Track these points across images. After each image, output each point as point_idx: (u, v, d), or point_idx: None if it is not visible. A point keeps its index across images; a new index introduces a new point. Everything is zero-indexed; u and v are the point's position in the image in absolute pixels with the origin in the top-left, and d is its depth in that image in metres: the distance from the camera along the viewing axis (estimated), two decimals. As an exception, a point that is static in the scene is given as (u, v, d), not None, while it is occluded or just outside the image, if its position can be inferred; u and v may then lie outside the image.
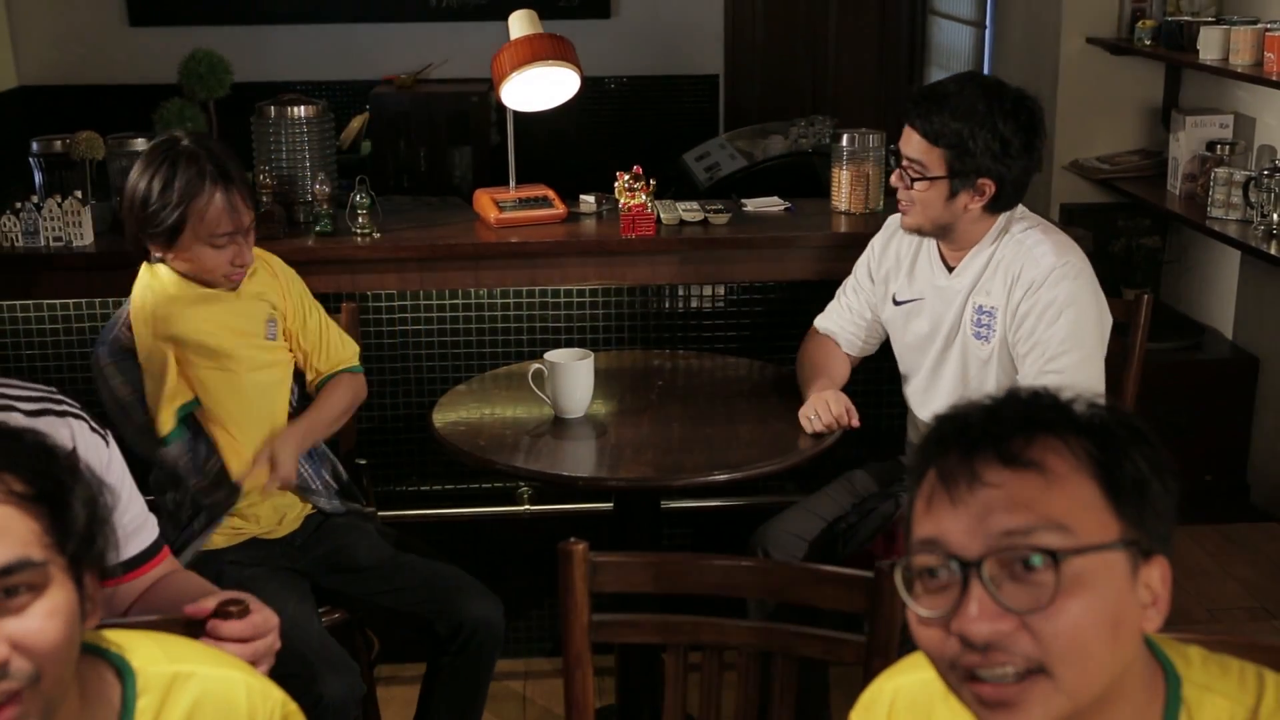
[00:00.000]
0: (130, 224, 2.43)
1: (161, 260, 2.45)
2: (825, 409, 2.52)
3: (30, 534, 1.10)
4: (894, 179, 2.51)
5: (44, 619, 1.10)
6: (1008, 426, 1.08)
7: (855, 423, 2.53)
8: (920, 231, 2.54)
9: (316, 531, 2.59)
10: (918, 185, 2.44)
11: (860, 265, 2.76)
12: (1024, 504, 1.04)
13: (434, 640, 2.51)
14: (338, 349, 2.66)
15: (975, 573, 1.04)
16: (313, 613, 2.43)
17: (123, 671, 1.23)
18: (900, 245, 2.66)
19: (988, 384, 2.51)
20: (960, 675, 1.07)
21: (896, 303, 2.67)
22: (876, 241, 2.74)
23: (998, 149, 2.38)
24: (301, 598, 2.44)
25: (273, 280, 2.58)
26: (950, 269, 2.56)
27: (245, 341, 2.50)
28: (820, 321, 2.81)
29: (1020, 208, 2.53)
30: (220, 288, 2.46)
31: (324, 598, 2.53)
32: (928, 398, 2.63)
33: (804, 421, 2.54)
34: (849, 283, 2.79)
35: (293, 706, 1.33)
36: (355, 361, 2.69)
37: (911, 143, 2.44)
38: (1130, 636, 1.08)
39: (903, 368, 2.71)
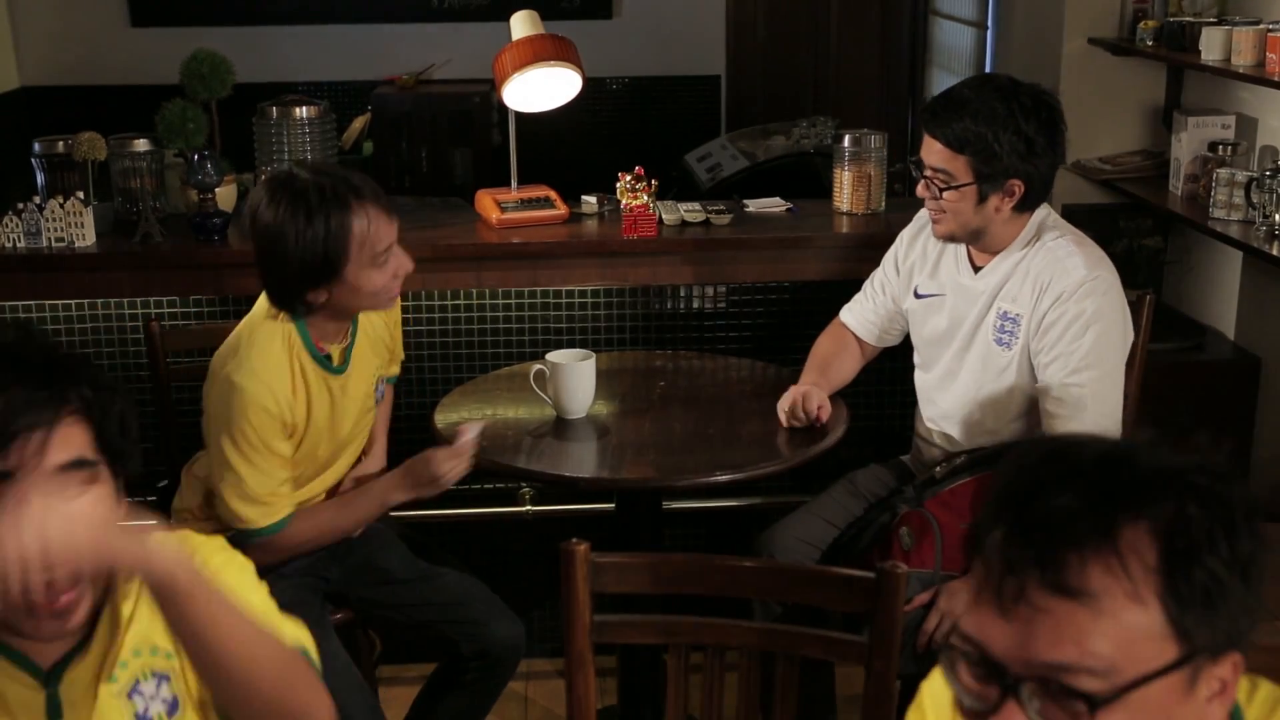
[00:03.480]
0: (280, 277, 2.27)
1: (309, 311, 2.32)
2: (792, 408, 2.53)
3: (84, 438, 1.35)
4: (920, 190, 2.49)
5: (95, 502, 1.33)
6: (1061, 541, 0.98)
7: (823, 418, 2.53)
8: (954, 239, 2.52)
9: (348, 540, 2.53)
10: (946, 195, 2.42)
11: (888, 256, 2.75)
12: (1070, 638, 0.97)
13: (455, 657, 2.51)
14: (396, 359, 2.67)
15: (1013, 693, 1.00)
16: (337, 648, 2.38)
17: None
18: (928, 240, 2.64)
19: (1002, 390, 2.50)
20: None
21: (918, 295, 2.65)
22: (906, 233, 2.73)
23: (1023, 148, 2.36)
24: (321, 626, 2.37)
25: (382, 324, 2.54)
26: (977, 269, 2.54)
27: (358, 422, 2.49)
28: (844, 314, 2.81)
29: (1053, 216, 2.52)
30: (381, 309, 2.42)
31: (350, 605, 2.55)
32: (938, 395, 2.63)
33: (779, 413, 2.55)
34: (876, 274, 2.77)
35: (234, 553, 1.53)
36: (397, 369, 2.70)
37: (935, 152, 2.42)
38: None
39: (918, 359, 2.70)
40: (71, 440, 1.33)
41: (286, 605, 2.25)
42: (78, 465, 1.33)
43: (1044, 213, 2.51)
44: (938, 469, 2.50)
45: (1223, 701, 1.03)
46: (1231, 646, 1.01)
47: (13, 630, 1.33)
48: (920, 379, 2.69)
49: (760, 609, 2.45)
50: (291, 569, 2.41)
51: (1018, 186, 2.40)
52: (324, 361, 2.38)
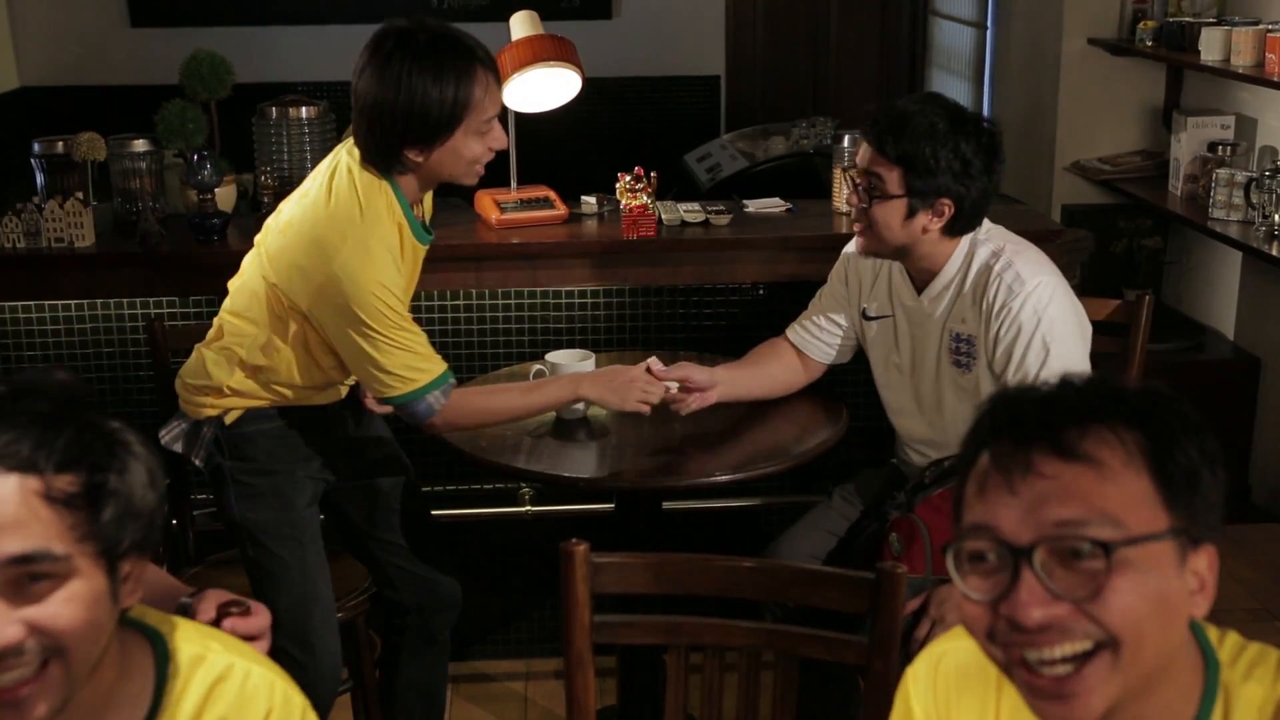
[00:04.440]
0: (389, 130, 2.20)
1: (402, 170, 2.27)
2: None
3: (56, 527, 1.12)
4: (848, 198, 2.46)
5: (62, 605, 1.12)
6: (1062, 417, 1.09)
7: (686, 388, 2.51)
8: (878, 254, 2.48)
9: (356, 435, 2.55)
10: (875, 205, 2.37)
11: (835, 272, 2.70)
12: (1078, 496, 1.06)
13: (392, 622, 2.60)
14: None
15: (1026, 560, 1.06)
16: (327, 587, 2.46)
17: (156, 645, 1.27)
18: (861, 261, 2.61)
19: (972, 409, 2.43)
20: (1008, 657, 1.09)
21: (867, 317, 2.62)
22: (850, 248, 2.65)
23: (959, 168, 2.32)
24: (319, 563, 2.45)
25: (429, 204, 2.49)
26: (919, 289, 2.50)
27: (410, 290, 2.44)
28: (789, 333, 2.74)
29: (986, 225, 2.46)
30: (465, 182, 2.33)
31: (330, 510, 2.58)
32: (908, 421, 2.61)
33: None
34: (823, 290, 2.72)
35: (313, 716, 1.34)
36: None
37: (871, 159, 2.38)
38: (1178, 621, 1.10)
39: (879, 383, 2.66)
40: (30, 527, 1.11)
41: (300, 510, 2.39)
42: (37, 559, 1.11)
43: (972, 232, 2.45)
44: (926, 473, 2.50)
45: (1204, 597, 1.11)
46: (1206, 538, 1.11)
47: None
48: (886, 397, 2.65)
49: (769, 613, 2.44)
50: (310, 469, 2.44)
51: (948, 207, 2.35)
52: (418, 228, 2.36)
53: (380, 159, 2.25)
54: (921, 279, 2.49)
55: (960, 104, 2.41)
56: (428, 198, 2.45)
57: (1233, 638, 1.17)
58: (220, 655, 1.29)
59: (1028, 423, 1.10)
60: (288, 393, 2.39)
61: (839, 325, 2.69)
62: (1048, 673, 1.07)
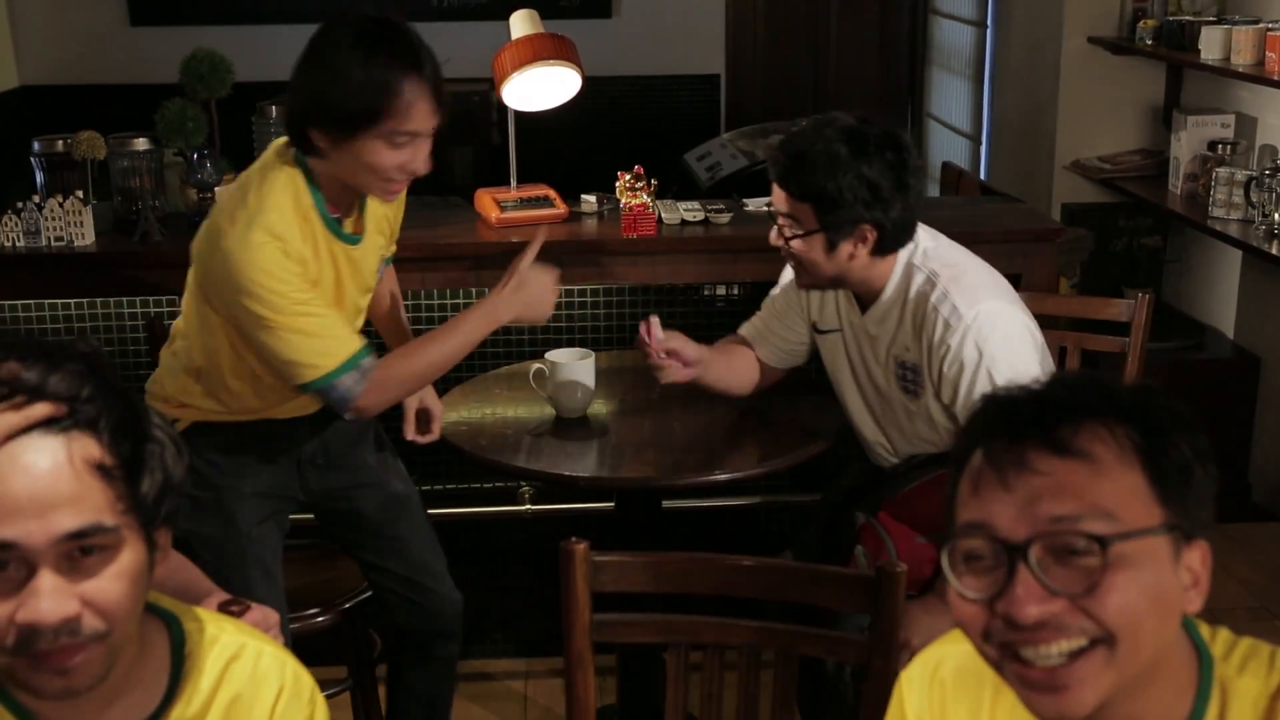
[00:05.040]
0: (302, 101, 2.07)
1: (307, 151, 2.11)
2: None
3: (106, 500, 1.13)
4: (772, 238, 2.38)
5: (113, 579, 1.14)
6: (1055, 413, 1.09)
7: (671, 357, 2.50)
8: (817, 287, 2.43)
9: (327, 442, 2.37)
10: (794, 243, 2.32)
11: (788, 280, 2.58)
12: (1072, 491, 1.06)
13: (396, 639, 2.53)
14: (393, 238, 2.45)
15: (1022, 557, 1.06)
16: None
17: (171, 626, 1.29)
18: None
19: (923, 423, 2.40)
20: (1002, 652, 1.09)
21: (819, 330, 2.56)
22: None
23: (867, 195, 2.25)
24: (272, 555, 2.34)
25: (395, 210, 2.35)
26: (863, 308, 2.43)
27: (357, 302, 2.28)
28: (745, 330, 2.66)
29: (921, 251, 2.37)
30: (372, 195, 2.16)
31: (318, 523, 2.50)
32: (863, 428, 2.55)
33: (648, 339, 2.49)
34: (775, 294, 2.63)
35: (321, 698, 1.36)
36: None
37: (780, 200, 2.33)
38: (1172, 616, 1.10)
39: (834, 388, 2.59)
40: (84, 502, 1.13)
41: (245, 529, 2.25)
42: (91, 533, 1.13)
43: (908, 251, 2.37)
44: (896, 466, 2.47)
45: (1198, 593, 1.11)
46: (1199, 533, 1.11)
47: (20, 685, 1.17)
48: (843, 402, 2.57)
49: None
50: (258, 485, 2.30)
51: (869, 231, 2.28)
52: (334, 225, 2.18)
53: (290, 132, 2.12)
54: (865, 299, 2.42)
55: (861, 122, 2.30)
56: (382, 210, 2.30)
57: (1224, 633, 1.17)
58: (233, 636, 1.32)
59: (1021, 419, 1.10)
60: (233, 402, 2.26)
61: (796, 331, 2.60)
62: (1041, 664, 1.07)
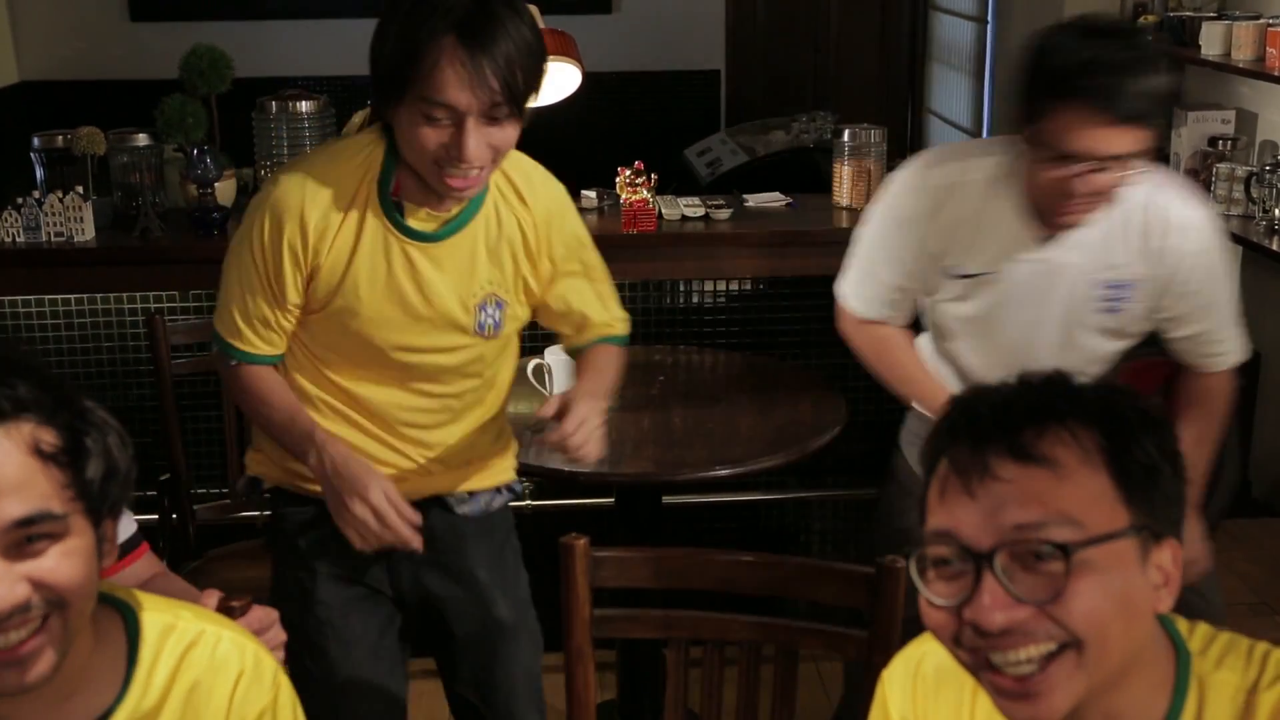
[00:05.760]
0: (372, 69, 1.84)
1: (386, 125, 1.88)
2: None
3: (52, 488, 1.13)
4: (1102, 184, 2.02)
5: (60, 559, 1.14)
6: (1018, 418, 1.09)
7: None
8: (1089, 214, 2.12)
9: (433, 531, 2.02)
10: (1129, 176, 2.03)
11: (910, 241, 2.24)
12: (1035, 498, 1.06)
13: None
14: (599, 311, 2.16)
15: (988, 565, 1.06)
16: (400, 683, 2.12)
17: (126, 616, 1.28)
18: (959, 211, 2.19)
19: (1097, 352, 2.25)
20: (974, 660, 1.09)
21: (962, 275, 2.23)
22: (921, 210, 2.22)
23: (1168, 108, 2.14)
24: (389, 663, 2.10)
25: (523, 210, 2.02)
26: (1046, 236, 2.15)
27: (442, 328, 1.97)
28: (866, 309, 2.33)
29: None
30: (433, 185, 1.85)
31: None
32: (988, 375, 2.29)
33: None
34: (879, 256, 2.30)
35: (284, 680, 1.35)
36: (620, 329, 2.20)
37: (1127, 139, 1.97)
38: (1143, 617, 1.10)
39: (946, 337, 2.32)
40: (31, 489, 1.12)
41: (311, 598, 2.01)
42: (38, 520, 1.12)
43: None
44: None
45: (1169, 592, 1.11)
46: (1168, 532, 1.11)
47: None
48: (955, 353, 2.31)
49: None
50: (334, 569, 2.03)
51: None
52: (391, 208, 1.89)
53: (373, 101, 1.90)
54: (1051, 228, 2.14)
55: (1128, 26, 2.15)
56: (513, 226, 2.03)
57: (1202, 628, 1.17)
58: (191, 623, 1.30)
59: (983, 426, 1.10)
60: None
61: (914, 290, 2.30)
62: (1012, 672, 1.07)
